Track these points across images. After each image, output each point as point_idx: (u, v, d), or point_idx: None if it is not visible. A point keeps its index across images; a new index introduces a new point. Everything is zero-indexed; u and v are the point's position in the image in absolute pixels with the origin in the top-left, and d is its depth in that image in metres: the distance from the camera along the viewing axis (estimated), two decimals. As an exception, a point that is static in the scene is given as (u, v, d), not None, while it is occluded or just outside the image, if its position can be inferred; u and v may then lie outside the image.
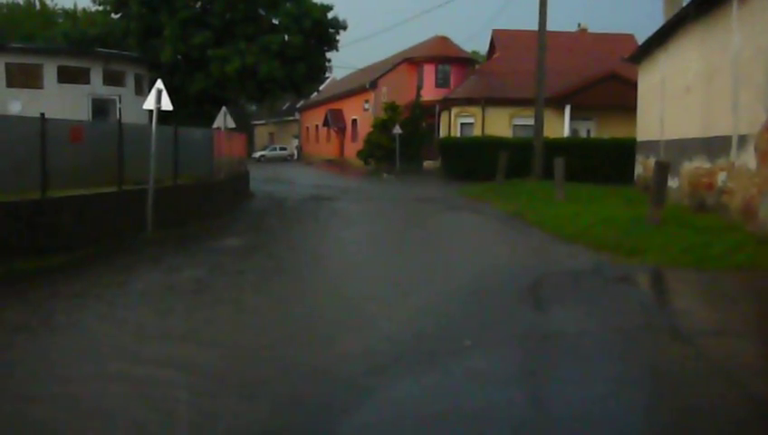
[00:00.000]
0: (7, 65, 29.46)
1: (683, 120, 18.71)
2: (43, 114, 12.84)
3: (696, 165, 17.42)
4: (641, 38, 26.52)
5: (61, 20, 56.90)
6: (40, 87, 29.65)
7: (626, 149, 27.36)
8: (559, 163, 21.30)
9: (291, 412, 5.47)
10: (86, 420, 5.35)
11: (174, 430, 5.20)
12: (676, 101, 19.33)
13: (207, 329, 8.05)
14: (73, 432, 5.16)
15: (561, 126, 36.05)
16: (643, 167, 23.59)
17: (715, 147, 16.02)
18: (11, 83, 29.29)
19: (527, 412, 5.70)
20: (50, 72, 30.13)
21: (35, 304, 9.22)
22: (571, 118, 36.50)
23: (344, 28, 41.31)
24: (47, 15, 60.83)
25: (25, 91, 28.84)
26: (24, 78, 29.75)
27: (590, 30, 46.31)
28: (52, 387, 6.07)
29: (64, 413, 5.47)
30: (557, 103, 35.48)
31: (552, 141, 30.17)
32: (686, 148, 18.21)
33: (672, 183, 17.33)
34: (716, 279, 10.73)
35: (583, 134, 37.23)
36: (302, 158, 65.15)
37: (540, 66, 28.12)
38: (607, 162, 30.80)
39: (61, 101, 27.44)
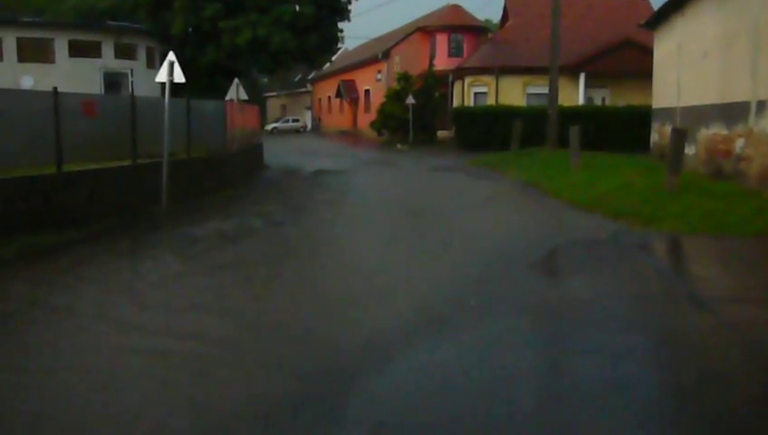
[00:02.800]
0: (18, 40, 29.41)
1: (700, 87, 18.46)
2: (55, 88, 12.81)
3: (713, 132, 17.22)
4: (657, 3, 26.11)
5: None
6: (51, 61, 29.62)
7: (641, 117, 27.09)
8: (574, 131, 21.11)
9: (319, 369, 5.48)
10: (109, 387, 5.38)
11: (192, 396, 5.21)
12: (693, 67, 19.05)
13: (224, 299, 8.07)
14: (101, 402, 5.18)
15: (575, 94, 35.71)
16: (659, 134, 23.35)
17: (732, 113, 15.81)
18: (22, 58, 29.27)
19: (543, 380, 5.68)
20: (61, 46, 30.07)
21: (51, 278, 9.24)
22: (586, 86, 36.13)
23: (356, -2, 40.94)
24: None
25: (37, 65, 28.82)
26: (36, 53, 29.71)
27: (604, -4, 45.66)
28: (76, 359, 6.10)
29: (86, 384, 5.49)
30: (571, 71, 35.10)
31: (566, 110, 29.91)
32: (702, 114, 17.98)
33: (689, 150, 17.15)
34: (734, 246, 10.64)
35: (598, 102, 36.86)
36: (320, 130, 64.48)
37: (554, 34, 27.79)
38: (622, 130, 30.54)
39: (72, 76, 27.43)
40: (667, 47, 22.50)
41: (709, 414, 4.89)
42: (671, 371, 5.89)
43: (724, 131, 16.35)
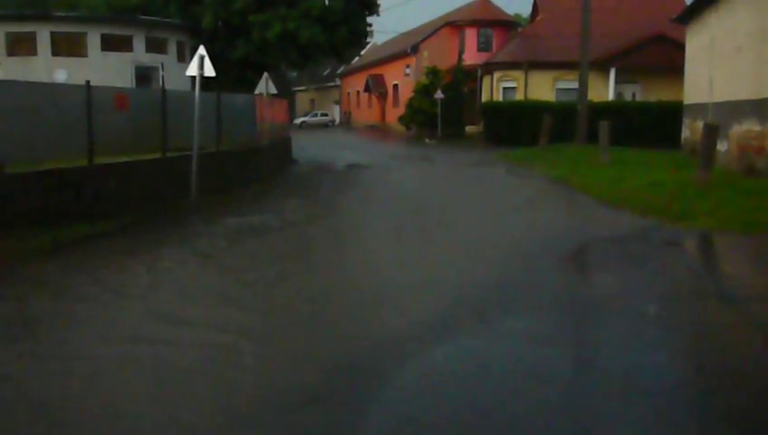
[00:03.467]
0: (52, 34, 29.76)
1: (733, 82, 18.23)
2: (88, 82, 12.96)
3: (745, 128, 17.00)
4: (689, -2, 25.80)
5: (103, -12, 57.18)
6: (84, 55, 29.93)
7: (672, 113, 26.83)
8: (604, 127, 20.95)
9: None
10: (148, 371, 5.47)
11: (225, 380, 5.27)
12: (726, 61, 18.82)
13: (254, 293, 8.14)
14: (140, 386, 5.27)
15: (605, 89, 35.40)
16: (690, 130, 23.11)
17: (766, 109, 15.60)
18: (56, 52, 29.60)
19: (572, 375, 5.67)
20: (93, 40, 30.37)
21: (83, 268, 9.37)
22: (617, 81, 35.79)
23: (385, -8, 40.87)
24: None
25: (70, 59, 29.14)
26: (69, 47, 30.03)
27: (636, -10, 45.15)
28: (119, 346, 6.19)
29: (110, 372, 5.58)
30: (602, 66, 34.80)
31: (596, 105, 29.69)
32: (735, 110, 17.76)
33: (720, 146, 16.95)
34: (766, 244, 10.50)
35: (628, 97, 36.50)
36: (350, 124, 64.19)
37: (584, 28, 27.58)
38: (653, 126, 30.25)
39: (104, 69, 27.70)
40: (700, 42, 22.24)
41: (736, 413, 4.85)
42: (699, 369, 5.84)
43: (758, 127, 16.13)
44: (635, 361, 5.77)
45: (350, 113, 65.71)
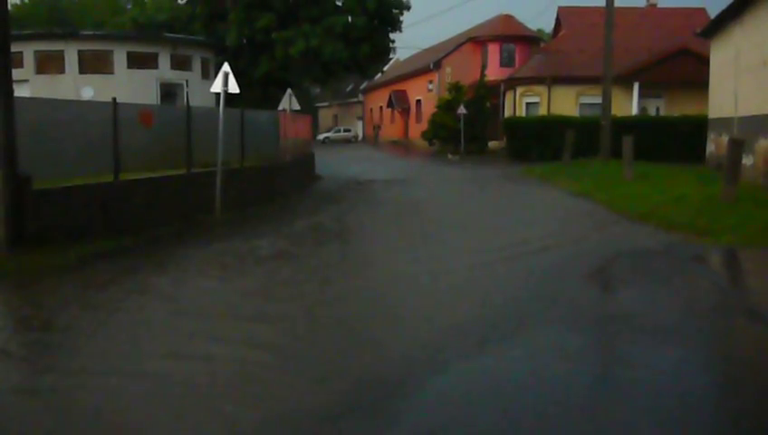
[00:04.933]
0: (80, 52, 30.19)
1: (758, 96, 18.08)
2: (114, 99, 13.13)
3: (772, 142, 16.84)
4: (713, 12, 25.71)
5: (129, 6, 58.03)
6: (110, 72, 30.31)
7: (697, 127, 26.65)
8: (627, 141, 20.84)
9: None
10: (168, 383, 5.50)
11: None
12: (752, 75, 18.68)
13: (274, 309, 8.17)
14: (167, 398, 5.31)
15: (629, 104, 35.24)
16: (715, 145, 22.93)
17: (792, 123, 15.46)
18: (83, 70, 30.01)
19: (596, 391, 5.62)
20: (120, 57, 30.76)
21: (105, 284, 9.45)
22: (640, 95, 35.62)
23: (408, 8, 40.96)
24: (116, 2, 62.15)
25: (97, 77, 29.52)
26: (96, 64, 30.44)
27: (659, 5, 45.02)
28: (121, 363, 6.23)
29: (129, 388, 5.62)
30: (625, 81, 34.66)
31: (619, 120, 29.55)
32: (761, 124, 17.61)
33: (746, 161, 16.81)
34: (794, 259, 10.39)
35: (652, 112, 36.32)
36: (378, 139, 63.15)
37: (608, 43, 27.51)
38: (677, 141, 30.05)
39: (130, 86, 28.04)
40: (725, 56, 22.10)
41: (761, 429, 4.78)
42: (725, 385, 5.77)
43: (784, 142, 15.98)
44: (661, 377, 5.71)
45: (378, 127, 64.69)
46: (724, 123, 21.53)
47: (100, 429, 4.94)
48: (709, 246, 11.29)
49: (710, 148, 23.99)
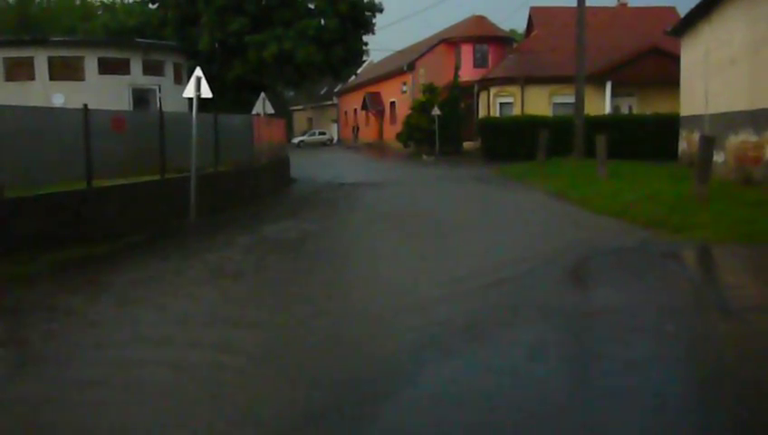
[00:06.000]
0: (50, 59, 29.86)
1: (728, 93, 18.31)
2: (85, 105, 13.01)
3: (742, 138, 17.05)
4: (683, 10, 25.95)
5: (100, 12, 57.58)
6: (81, 79, 29.99)
7: (669, 125, 26.89)
8: (601, 140, 21.00)
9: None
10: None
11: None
12: (721, 73, 18.91)
13: (250, 313, 8.13)
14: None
15: (602, 103, 35.56)
16: (687, 142, 23.17)
17: (762, 119, 15.66)
18: (53, 76, 29.67)
19: (569, 388, 5.65)
20: (91, 64, 30.45)
21: (79, 290, 9.35)
22: (613, 94, 35.97)
23: (380, 11, 41.06)
24: (87, 8, 61.65)
25: (68, 83, 29.19)
26: (66, 71, 30.10)
27: (630, 4, 45.47)
28: (98, 370, 6.17)
29: (107, 395, 5.56)
30: (598, 80, 34.96)
31: (593, 119, 29.79)
32: (731, 121, 17.83)
33: (718, 158, 17.00)
34: (765, 254, 10.51)
35: (625, 111, 36.67)
36: (358, 141, 62.33)
37: (579, 43, 27.73)
38: (650, 139, 30.35)
39: (102, 93, 27.73)
40: (695, 54, 22.35)
41: (739, 423, 4.83)
42: (700, 380, 5.83)
43: (754, 138, 16.19)
44: (635, 372, 5.75)
45: (357, 129, 63.90)
46: (696, 121, 21.77)
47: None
48: (683, 243, 11.41)
49: (682, 145, 24.24)
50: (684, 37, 23.84)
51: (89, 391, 5.70)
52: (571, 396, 5.43)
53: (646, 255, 10.99)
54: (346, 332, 7.24)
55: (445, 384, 5.66)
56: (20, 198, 11.28)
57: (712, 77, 19.99)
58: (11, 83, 28.82)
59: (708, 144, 14.58)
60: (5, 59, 29.20)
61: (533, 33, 42.47)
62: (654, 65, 34.14)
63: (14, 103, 13.04)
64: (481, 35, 45.83)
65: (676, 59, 26.16)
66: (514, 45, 46.51)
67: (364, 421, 4.96)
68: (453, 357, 6.26)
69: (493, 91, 39.01)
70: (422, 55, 48.55)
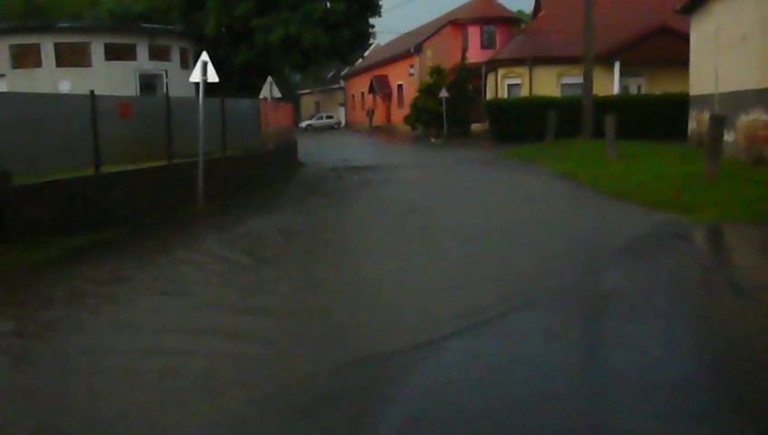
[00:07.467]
0: (56, 45, 29.83)
1: (739, 72, 18.13)
2: (92, 91, 12.99)
3: (752, 117, 16.90)
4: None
5: (106, -2, 57.41)
6: (88, 65, 29.98)
7: (679, 105, 26.69)
8: (610, 121, 20.87)
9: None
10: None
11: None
12: (732, 51, 18.72)
13: (264, 298, 8.12)
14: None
15: (610, 83, 35.31)
16: (697, 122, 23.00)
17: (773, 98, 15.50)
18: (60, 63, 29.67)
19: (583, 367, 5.64)
20: (97, 49, 30.42)
21: (89, 276, 9.36)
22: (621, 74, 35.69)
23: (387, -7, 40.86)
24: (92, -6, 61.44)
25: (74, 69, 29.19)
26: (73, 57, 30.08)
27: (639, -17, 44.96)
28: (111, 359, 6.17)
29: (118, 381, 5.57)
30: (606, 60, 34.70)
31: (601, 99, 29.60)
32: (742, 100, 17.66)
33: (728, 137, 16.85)
34: (777, 234, 10.44)
35: (634, 91, 36.40)
36: (371, 126, 60.64)
37: (588, 23, 27.51)
38: (659, 119, 30.14)
39: (109, 78, 27.74)
40: (705, 32, 22.13)
41: (749, 403, 4.80)
42: (711, 360, 5.79)
43: (765, 117, 16.04)
44: (646, 353, 5.72)
45: (372, 111, 61.80)
46: (706, 100, 21.59)
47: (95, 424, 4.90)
48: (693, 223, 11.33)
49: (692, 125, 24.07)
50: (694, 15, 23.60)
51: (99, 379, 5.71)
52: (580, 376, 5.42)
53: (655, 235, 10.91)
54: (361, 316, 7.23)
55: (466, 358, 5.65)
56: (28, 184, 11.28)
57: (722, 55, 19.79)
58: (18, 70, 28.84)
59: (718, 124, 14.46)
60: (12, 46, 29.21)
61: (541, 14, 42.12)
62: (663, 44, 33.81)
63: (21, 90, 13.03)
64: (488, 16, 45.53)
65: (685, 38, 25.91)
66: (522, 26, 46.19)
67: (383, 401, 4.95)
68: (467, 339, 6.25)
69: (501, 72, 38.79)
70: (429, 37, 48.30)
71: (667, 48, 33.15)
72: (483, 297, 7.56)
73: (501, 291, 7.83)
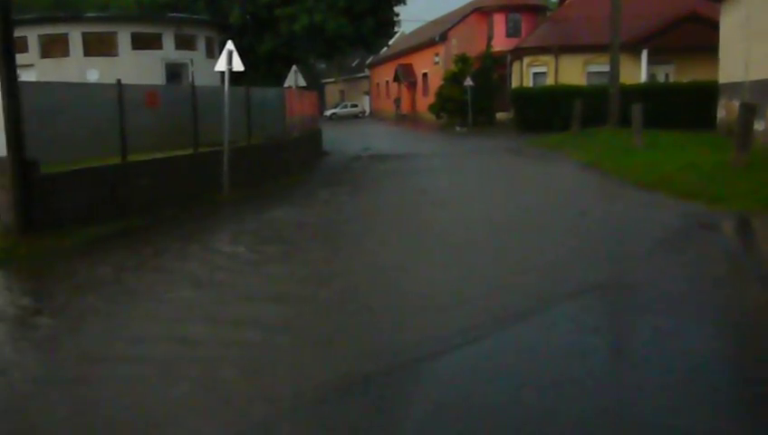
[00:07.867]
0: (84, 35, 30.06)
1: (769, 60, 17.85)
2: (119, 80, 13.08)
3: (783, 106, 16.64)
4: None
5: (132, -13, 57.70)
6: (115, 54, 30.18)
7: (707, 93, 26.35)
8: (636, 109, 20.66)
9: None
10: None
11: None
12: (763, 38, 18.43)
13: (287, 285, 8.15)
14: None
15: (637, 71, 34.91)
16: (726, 110, 22.69)
17: (804, 86, 15.25)
18: (88, 52, 29.89)
19: (609, 358, 5.61)
20: (124, 39, 30.61)
21: (116, 263, 9.44)
22: (649, 62, 35.26)
23: (412, -19, 40.69)
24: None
25: (102, 59, 29.40)
26: (100, 46, 30.29)
27: (667, -31, 44.39)
28: (137, 348, 6.22)
29: (144, 367, 5.62)
30: (633, 48, 34.32)
31: (628, 88, 29.28)
32: (772, 88, 17.40)
33: (758, 126, 16.62)
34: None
35: (661, 79, 35.97)
36: (399, 116, 59.18)
37: (614, 10, 27.20)
38: (687, 107, 29.75)
39: (135, 68, 27.91)
40: (735, 19, 21.81)
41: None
42: (742, 351, 5.73)
43: (796, 105, 15.78)
44: (675, 344, 5.68)
45: (399, 100, 60.84)
46: (735, 88, 21.30)
47: (119, 415, 4.95)
48: (721, 213, 11.19)
49: (721, 113, 23.75)
50: (724, 2, 23.25)
51: (127, 367, 5.77)
52: (604, 366, 5.39)
53: (683, 225, 10.79)
54: (396, 306, 7.24)
55: (495, 342, 5.65)
56: (56, 173, 11.40)
57: (753, 42, 19.49)
58: (47, 60, 29.09)
59: (748, 112, 14.26)
60: (41, 36, 29.46)
61: (567, 1, 41.72)
62: (692, 32, 33.35)
63: (49, 80, 13.15)
64: (514, 4, 45.18)
65: (715, 25, 25.54)
66: (548, 14, 45.77)
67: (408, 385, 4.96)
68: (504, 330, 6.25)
69: (526, 60, 38.51)
70: (454, 25, 48.05)
71: (695, 35, 32.70)
72: (517, 290, 7.54)
73: (530, 283, 7.80)
